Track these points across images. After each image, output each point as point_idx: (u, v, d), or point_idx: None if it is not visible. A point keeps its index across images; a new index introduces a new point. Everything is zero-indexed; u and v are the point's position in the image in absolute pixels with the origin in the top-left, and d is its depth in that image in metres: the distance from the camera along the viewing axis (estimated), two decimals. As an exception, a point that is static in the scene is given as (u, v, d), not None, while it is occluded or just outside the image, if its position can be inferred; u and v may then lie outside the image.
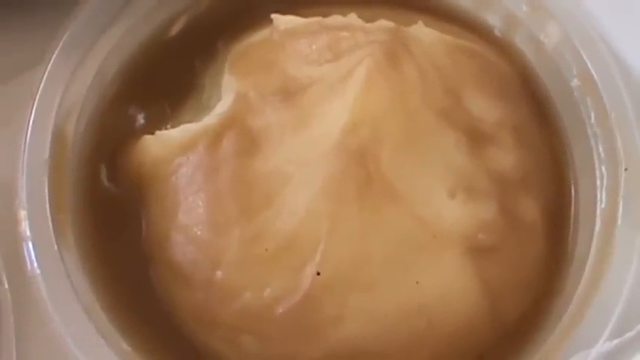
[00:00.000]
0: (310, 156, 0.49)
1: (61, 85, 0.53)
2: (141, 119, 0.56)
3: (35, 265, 0.48)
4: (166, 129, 0.54)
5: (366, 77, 0.49)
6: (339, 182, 0.48)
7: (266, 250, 0.48)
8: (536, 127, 0.57)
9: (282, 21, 0.55)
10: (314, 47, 0.53)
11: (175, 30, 0.60)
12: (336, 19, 0.55)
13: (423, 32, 0.55)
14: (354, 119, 0.49)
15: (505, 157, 0.53)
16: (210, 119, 0.52)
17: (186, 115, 0.56)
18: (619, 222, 0.52)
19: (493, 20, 0.61)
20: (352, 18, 0.55)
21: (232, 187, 0.50)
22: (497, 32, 0.61)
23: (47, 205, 0.50)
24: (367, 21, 0.55)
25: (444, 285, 0.49)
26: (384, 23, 0.54)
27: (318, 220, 0.48)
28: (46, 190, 0.50)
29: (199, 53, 0.58)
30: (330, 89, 0.50)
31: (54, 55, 0.53)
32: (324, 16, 0.56)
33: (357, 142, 0.48)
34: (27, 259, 0.49)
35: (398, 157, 0.49)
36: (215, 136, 0.51)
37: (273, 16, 0.55)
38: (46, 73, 0.53)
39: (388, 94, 0.49)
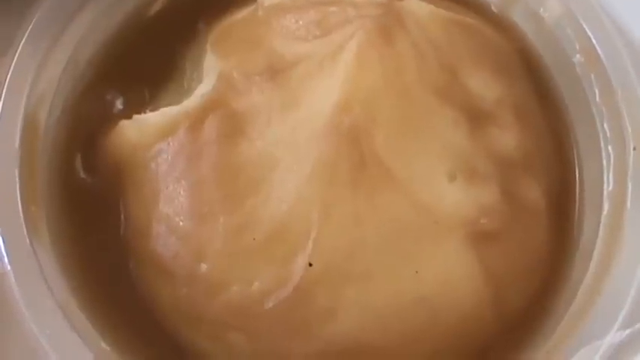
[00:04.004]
0: (299, 138, 0.47)
1: (31, 71, 0.51)
2: (118, 105, 0.54)
3: (6, 261, 0.47)
4: (145, 114, 0.52)
5: (358, 53, 0.47)
6: (330, 165, 0.46)
7: (254, 239, 0.46)
8: (538, 106, 0.55)
9: (268, -5, 0.53)
10: (301, 23, 0.51)
11: (153, 10, 0.58)
12: (324, -8, 0.53)
13: (418, 6, 0.53)
14: (345, 97, 0.47)
15: (506, 138, 0.51)
16: (192, 101, 0.50)
17: (167, 99, 0.53)
18: (628, 204, 0.51)
19: (490, -5, 0.59)
20: (341, -8, 0.53)
21: (216, 173, 0.48)
22: (494, 8, 0.59)
23: (18, 197, 0.48)
24: (357, -4, 0.53)
25: (444, 273, 0.47)
26: (375, -4, 0.52)
27: (309, 207, 0.46)
28: (17, 181, 0.48)
29: (179, 34, 0.56)
30: (320, 66, 0.48)
31: (22, 42, 0.51)
32: (312, -9, 0.54)
33: (350, 122, 0.46)
34: (-3, 254, 0.47)
35: (393, 138, 0.47)
36: (197, 119, 0.49)
37: (258, -9, 0.53)
38: (15, 60, 0.51)
39: (381, 70, 0.48)
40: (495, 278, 0.48)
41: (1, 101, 0.50)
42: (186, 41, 0.56)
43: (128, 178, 0.50)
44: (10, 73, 0.50)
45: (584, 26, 0.54)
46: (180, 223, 0.47)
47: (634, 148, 0.51)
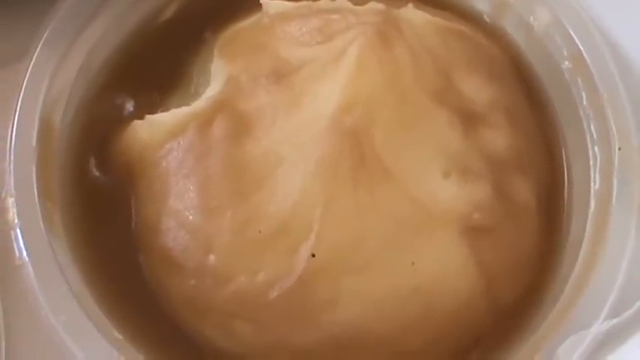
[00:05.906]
0: (303, 137, 0.49)
1: (48, 74, 0.53)
2: (129, 107, 0.56)
3: (24, 253, 0.48)
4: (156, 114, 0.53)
5: (358, 57, 0.49)
6: (332, 163, 0.48)
7: (259, 232, 0.48)
8: (528, 109, 0.57)
9: (272, 5, 0.55)
10: (304, 30, 0.53)
11: (163, 19, 0.59)
12: (326, 2, 0.55)
13: (414, 14, 0.55)
14: (346, 99, 0.48)
15: (498, 138, 0.53)
16: (200, 103, 0.52)
17: (175, 102, 0.55)
18: (613, 202, 0.52)
19: (482, 6, 0.61)
20: (342, 1, 0.55)
21: (224, 170, 0.49)
22: (486, 18, 0.61)
23: (35, 193, 0.50)
24: (357, 5, 0.55)
25: (439, 266, 0.49)
26: (374, 5, 0.54)
27: (312, 202, 0.47)
28: (34, 178, 0.50)
29: (187, 42, 0.58)
30: (322, 70, 0.50)
31: (39, 46, 0.53)
32: (314, 0, 0.56)
33: (351, 122, 0.48)
34: (15, 247, 0.48)
35: (391, 137, 0.49)
36: (205, 120, 0.50)
37: (263, 0, 0.55)
38: (31, 64, 0.53)
39: (381, 74, 0.49)
40: (488, 271, 0.50)
41: (19, 103, 0.51)
42: (193, 49, 0.57)
43: (139, 175, 0.52)
44: (27, 77, 0.52)
45: (572, 34, 0.56)
46: (190, 218, 0.49)
47: (619, 149, 0.53)
